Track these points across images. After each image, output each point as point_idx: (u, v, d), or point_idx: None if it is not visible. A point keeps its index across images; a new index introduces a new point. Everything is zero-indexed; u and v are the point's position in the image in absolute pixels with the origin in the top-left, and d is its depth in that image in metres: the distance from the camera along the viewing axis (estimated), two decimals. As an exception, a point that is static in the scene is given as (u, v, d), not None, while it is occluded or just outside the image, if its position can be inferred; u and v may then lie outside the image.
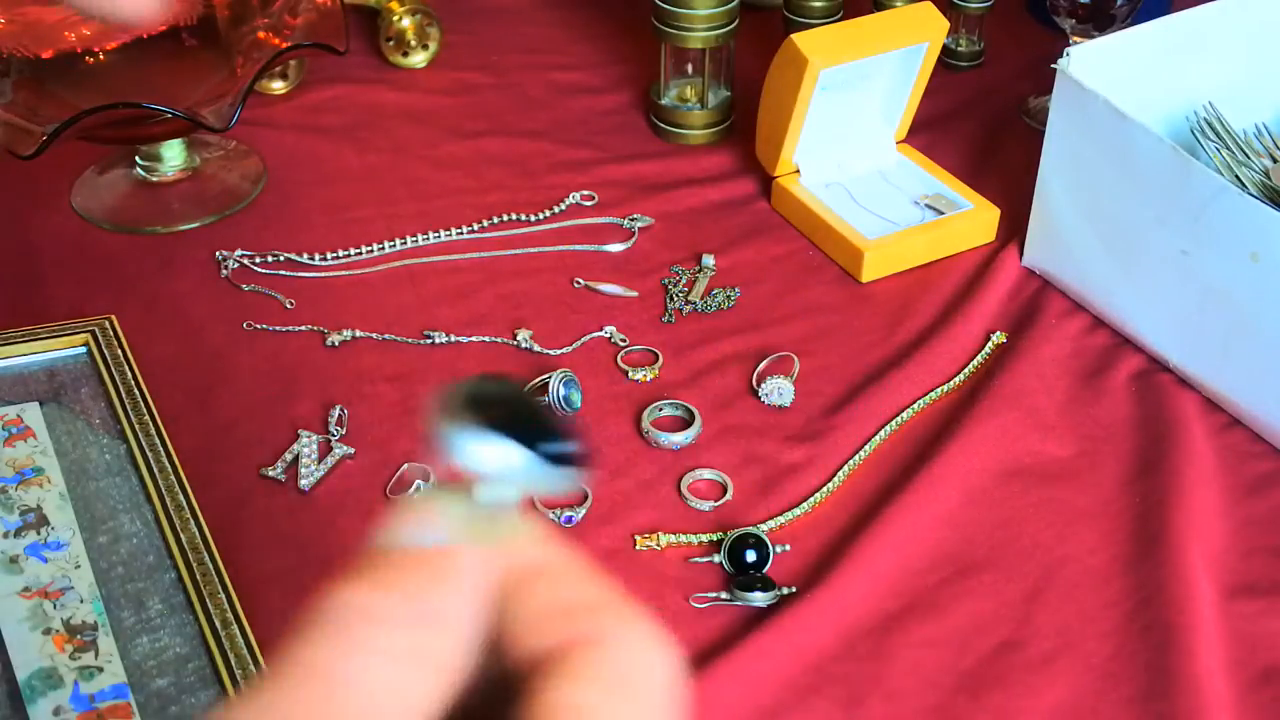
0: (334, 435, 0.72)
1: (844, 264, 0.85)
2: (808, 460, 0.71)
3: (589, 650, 0.25)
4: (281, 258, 0.85)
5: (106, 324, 0.74)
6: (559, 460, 0.27)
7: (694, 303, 0.82)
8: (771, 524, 0.67)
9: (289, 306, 0.81)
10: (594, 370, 0.77)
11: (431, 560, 0.26)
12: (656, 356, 0.78)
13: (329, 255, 0.85)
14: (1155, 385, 0.76)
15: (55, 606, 0.59)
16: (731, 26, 0.93)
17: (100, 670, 0.56)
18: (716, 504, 0.69)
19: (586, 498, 0.68)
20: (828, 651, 0.61)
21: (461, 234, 0.88)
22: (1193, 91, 0.81)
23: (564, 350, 0.78)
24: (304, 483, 0.69)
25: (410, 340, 0.79)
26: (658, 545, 0.66)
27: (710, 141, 0.97)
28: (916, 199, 0.89)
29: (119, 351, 0.72)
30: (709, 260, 0.85)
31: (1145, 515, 0.68)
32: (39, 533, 0.63)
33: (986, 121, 1.00)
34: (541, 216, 0.89)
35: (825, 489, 0.69)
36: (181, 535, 0.65)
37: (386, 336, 0.79)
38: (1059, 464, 0.71)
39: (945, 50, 1.04)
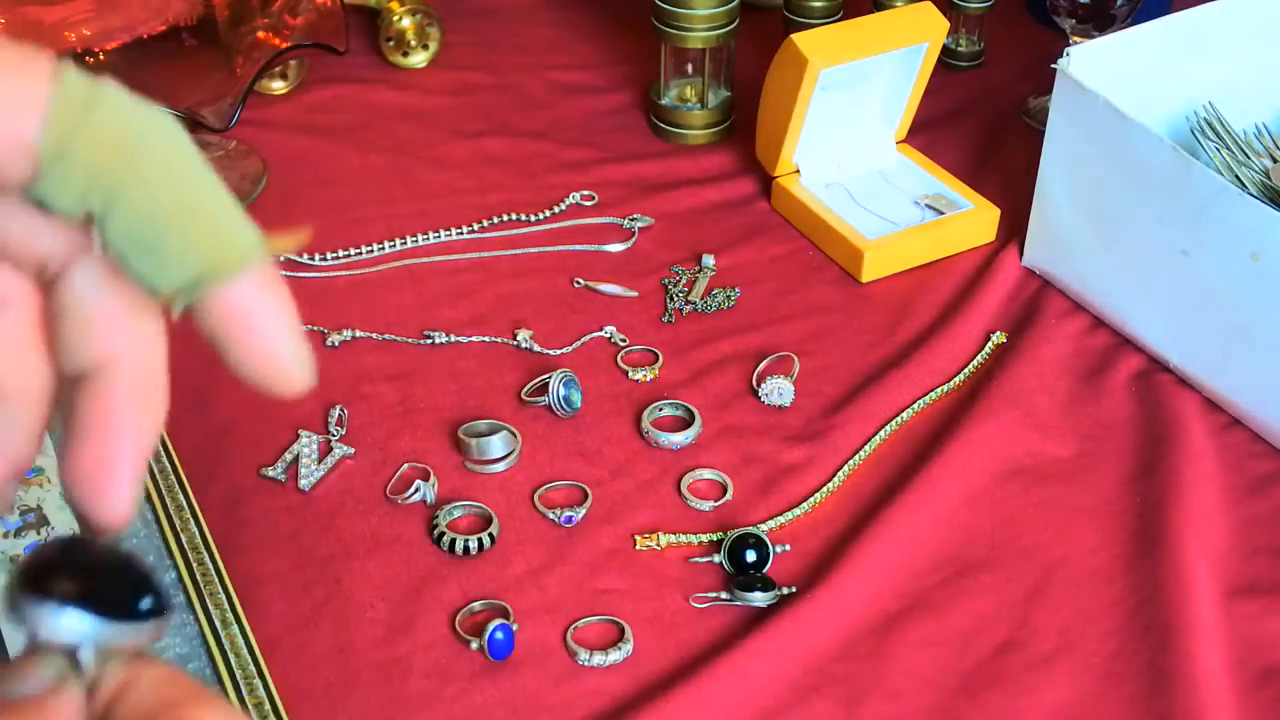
0: (334, 435, 0.72)
1: (844, 264, 0.85)
2: (808, 460, 0.71)
3: None
4: (281, 258, 0.85)
5: (106, 324, 0.74)
6: (135, 617, 0.28)
7: (694, 303, 0.82)
8: (771, 524, 0.67)
9: (289, 306, 0.81)
10: (594, 370, 0.77)
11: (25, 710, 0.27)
12: (656, 356, 0.78)
13: (329, 255, 0.85)
14: (1155, 385, 0.76)
15: (55, 606, 0.59)
16: (731, 26, 0.93)
17: (100, 670, 0.56)
18: (716, 504, 0.69)
19: (587, 497, 0.68)
20: (828, 651, 0.61)
21: (461, 234, 0.88)
22: (1193, 91, 0.81)
23: (564, 350, 0.78)
24: (304, 483, 0.69)
25: (410, 340, 0.79)
26: (658, 545, 0.66)
27: (710, 141, 0.97)
28: (916, 199, 0.89)
29: (119, 351, 0.72)
30: (709, 260, 0.85)
31: (1145, 515, 0.68)
32: (39, 533, 0.63)
33: (986, 121, 1.00)
34: (541, 216, 0.89)
35: (825, 489, 0.69)
36: (181, 535, 0.65)
37: (386, 336, 0.79)
38: (1059, 464, 0.71)
39: (945, 50, 1.04)
